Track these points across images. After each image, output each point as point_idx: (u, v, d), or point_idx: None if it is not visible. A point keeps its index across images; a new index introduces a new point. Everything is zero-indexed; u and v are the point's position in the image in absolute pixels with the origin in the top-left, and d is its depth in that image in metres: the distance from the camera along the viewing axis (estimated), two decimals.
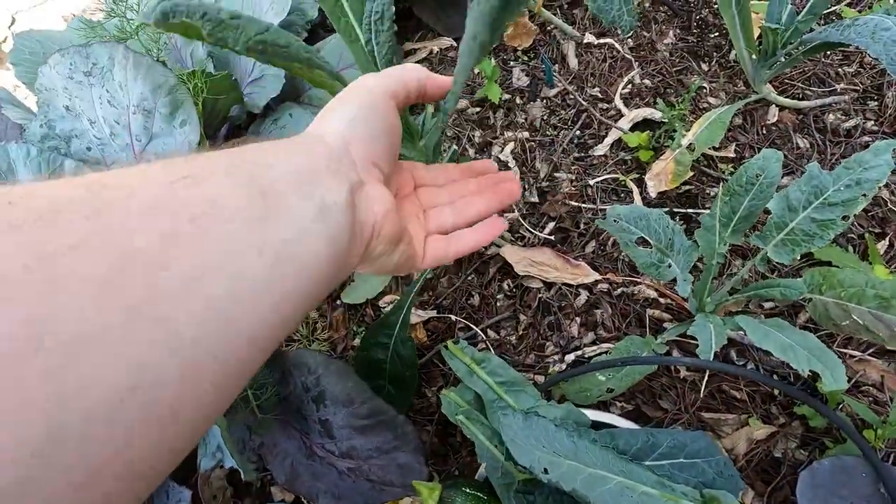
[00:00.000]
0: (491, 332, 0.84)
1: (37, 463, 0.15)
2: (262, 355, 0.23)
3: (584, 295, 0.83)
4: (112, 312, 0.17)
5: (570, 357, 0.79)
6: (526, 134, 0.99)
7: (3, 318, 0.15)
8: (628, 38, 1.05)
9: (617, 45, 1.04)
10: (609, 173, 0.92)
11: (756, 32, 0.86)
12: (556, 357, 0.80)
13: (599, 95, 1.01)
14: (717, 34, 1.03)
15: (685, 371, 0.75)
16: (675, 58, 1.02)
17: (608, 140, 0.95)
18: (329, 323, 0.90)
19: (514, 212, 0.92)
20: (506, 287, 0.86)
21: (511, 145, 0.99)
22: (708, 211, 0.63)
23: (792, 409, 0.69)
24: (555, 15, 1.07)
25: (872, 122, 0.88)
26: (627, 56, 1.03)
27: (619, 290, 0.82)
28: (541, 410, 0.56)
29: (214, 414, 0.21)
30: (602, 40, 1.06)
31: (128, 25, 0.76)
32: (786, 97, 0.93)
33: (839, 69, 0.95)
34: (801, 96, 0.93)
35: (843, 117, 0.90)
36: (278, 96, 0.91)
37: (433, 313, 0.87)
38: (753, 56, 0.88)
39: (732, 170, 0.88)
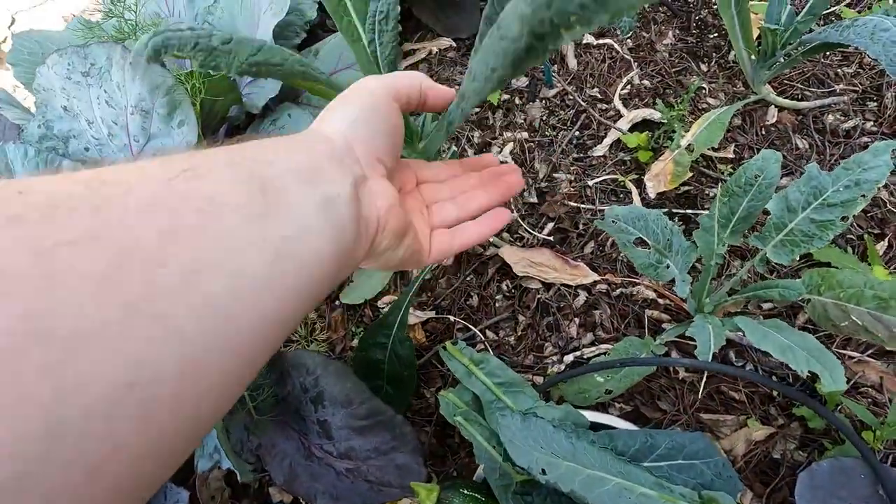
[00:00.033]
0: (489, 333, 0.84)
1: (35, 459, 0.15)
2: (264, 353, 0.23)
3: (582, 296, 0.83)
4: (110, 308, 0.17)
5: (568, 358, 0.79)
6: (525, 134, 0.99)
7: (1, 314, 0.15)
8: (627, 38, 1.05)
9: (616, 46, 1.04)
10: (608, 174, 0.92)
11: (755, 33, 0.86)
12: (554, 358, 0.79)
13: (598, 96, 1.01)
14: (716, 35, 1.03)
15: (684, 372, 0.75)
16: (675, 58, 1.02)
17: (607, 140, 0.95)
18: (328, 323, 0.90)
19: (512, 212, 0.92)
20: (504, 288, 0.86)
21: (510, 146, 0.99)
22: (707, 212, 0.63)
23: (791, 410, 0.69)
24: None
25: (872, 123, 0.88)
26: (626, 56, 1.03)
27: (618, 291, 0.82)
28: (539, 411, 0.56)
29: (216, 413, 0.21)
30: (601, 41, 1.06)
31: (126, 26, 0.76)
32: (785, 98, 0.93)
33: (838, 70, 0.95)
34: (800, 97, 0.93)
35: (843, 118, 0.90)
36: (277, 97, 0.91)
37: (432, 314, 0.86)
38: (752, 57, 0.88)
39: (731, 170, 0.88)
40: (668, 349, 0.76)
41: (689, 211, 0.86)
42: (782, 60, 0.85)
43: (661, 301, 0.80)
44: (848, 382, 0.69)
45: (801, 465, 0.65)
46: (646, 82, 1.00)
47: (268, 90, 0.89)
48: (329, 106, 0.33)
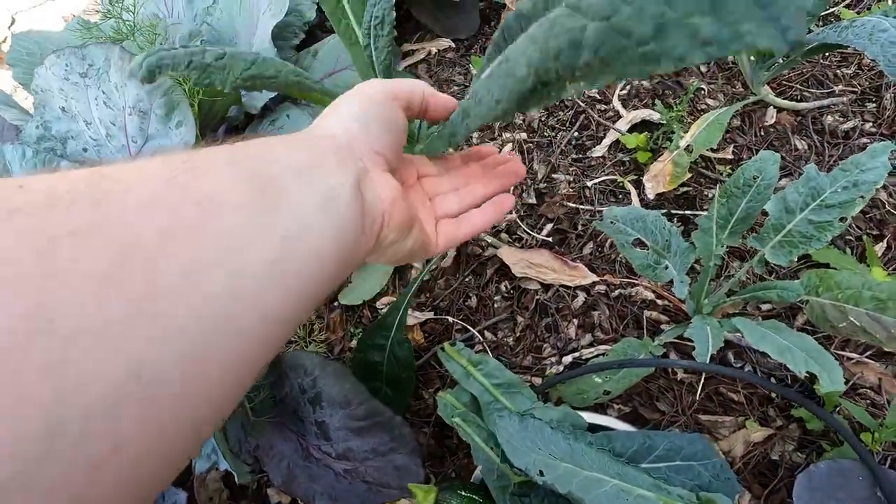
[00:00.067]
0: (488, 334, 0.84)
1: (35, 458, 0.15)
2: (266, 353, 0.23)
3: (581, 296, 0.83)
4: (112, 308, 0.17)
5: (567, 359, 0.79)
6: (524, 135, 0.99)
7: (3, 312, 0.15)
8: None
9: None
10: (607, 175, 0.92)
11: None
12: (553, 359, 0.79)
13: (597, 96, 1.01)
14: None
15: (682, 373, 0.74)
16: None
17: (606, 141, 0.95)
18: (326, 324, 0.90)
19: (511, 213, 0.91)
20: (503, 289, 0.86)
21: (509, 147, 0.99)
22: (705, 212, 0.63)
23: (789, 411, 0.69)
24: None
25: (871, 124, 0.88)
26: None
27: (617, 292, 0.82)
28: (537, 413, 0.56)
29: (217, 414, 0.21)
30: None
31: (124, 27, 0.76)
32: (784, 99, 0.93)
33: (837, 71, 0.95)
34: (799, 98, 0.93)
35: (842, 119, 0.90)
36: (276, 97, 0.91)
37: (430, 315, 0.86)
38: (751, 58, 0.88)
39: (730, 171, 0.88)
40: (666, 350, 0.75)
41: (687, 212, 0.86)
42: (781, 61, 0.85)
43: (659, 302, 0.80)
44: (846, 384, 0.69)
45: (799, 467, 0.65)
46: (645, 83, 1.00)
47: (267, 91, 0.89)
48: (330, 106, 0.33)
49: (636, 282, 0.82)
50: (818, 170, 0.57)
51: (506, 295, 0.86)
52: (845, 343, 0.72)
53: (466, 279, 0.88)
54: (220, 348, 0.20)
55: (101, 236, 0.18)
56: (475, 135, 1.01)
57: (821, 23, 1.00)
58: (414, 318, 0.86)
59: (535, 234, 0.89)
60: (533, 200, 0.92)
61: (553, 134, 0.98)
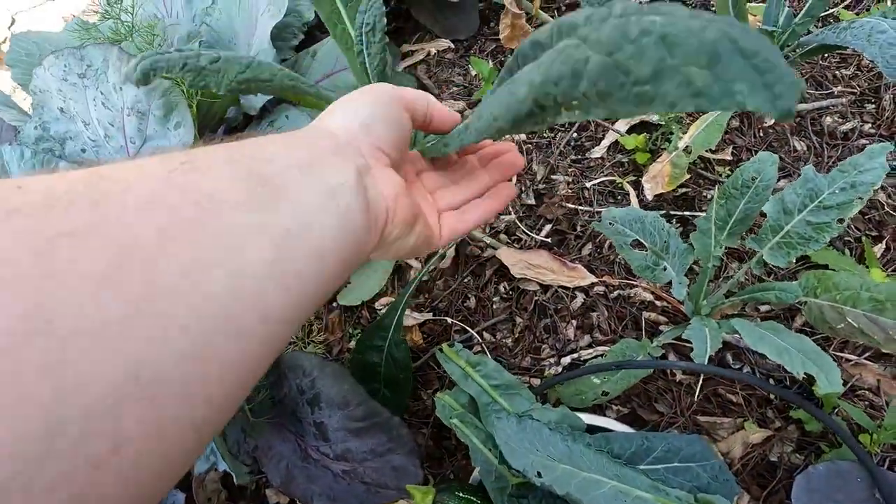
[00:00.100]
0: (487, 335, 0.84)
1: (35, 458, 0.15)
2: (267, 353, 0.23)
3: (580, 297, 0.83)
4: (111, 308, 0.17)
5: (566, 360, 0.79)
6: (522, 136, 0.99)
7: (1, 313, 0.15)
8: None
9: None
10: (606, 176, 0.92)
11: None
12: (552, 360, 0.79)
13: None
14: None
15: (681, 374, 0.74)
16: None
17: (605, 142, 0.95)
18: (325, 325, 0.90)
19: (510, 214, 0.91)
20: (502, 290, 0.86)
21: None
22: (704, 214, 0.63)
23: (788, 413, 0.69)
24: (553, 17, 1.07)
25: (870, 125, 0.88)
26: None
27: (616, 293, 0.82)
28: (535, 414, 0.56)
29: (218, 415, 0.21)
30: None
31: (122, 27, 0.76)
32: None
33: (836, 72, 0.95)
34: (798, 99, 0.93)
35: (841, 120, 0.90)
36: (275, 98, 0.91)
37: (429, 316, 0.86)
38: None
39: (729, 172, 0.88)
40: (665, 351, 0.75)
41: (686, 213, 0.86)
42: None
43: (658, 303, 0.80)
44: (845, 385, 0.69)
45: (798, 468, 0.65)
46: None
47: None
48: (331, 105, 0.33)
49: (635, 283, 0.82)
50: (816, 171, 0.57)
51: (504, 296, 0.86)
52: (844, 344, 0.72)
53: (465, 280, 0.88)
54: (220, 348, 0.20)
55: (100, 237, 0.18)
56: None
57: (820, 24, 1.00)
58: (413, 319, 0.86)
59: (533, 235, 0.89)
60: (532, 201, 0.92)
61: (552, 135, 0.98)
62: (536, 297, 0.84)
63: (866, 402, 0.68)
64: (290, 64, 0.96)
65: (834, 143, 0.88)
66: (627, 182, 0.90)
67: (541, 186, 0.93)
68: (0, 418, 0.14)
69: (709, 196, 0.87)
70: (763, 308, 0.77)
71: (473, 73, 1.07)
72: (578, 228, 0.88)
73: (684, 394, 0.73)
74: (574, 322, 0.81)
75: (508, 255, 0.85)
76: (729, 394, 0.72)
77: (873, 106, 0.90)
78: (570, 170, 0.94)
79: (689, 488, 0.52)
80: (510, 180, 0.42)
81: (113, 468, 0.17)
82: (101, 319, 0.17)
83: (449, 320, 0.85)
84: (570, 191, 0.92)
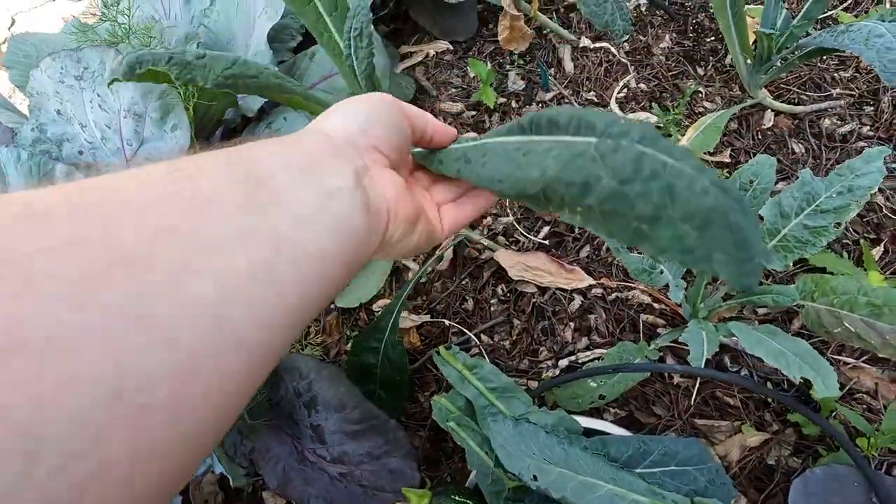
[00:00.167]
0: (484, 337, 0.83)
1: (11, 483, 0.14)
2: (265, 358, 0.22)
3: (578, 300, 0.83)
4: (91, 314, 0.16)
5: (563, 362, 0.78)
6: None
7: None
8: (624, 42, 1.05)
9: (613, 49, 1.04)
10: None
11: (752, 37, 0.85)
12: (549, 362, 0.79)
13: (595, 99, 1.01)
14: (713, 38, 1.03)
15: (679, 377, 0.74)
16: (671, 62, 1.01)
17: None
18: (322, 327, 0.90)
19: (508, 216, 0.91)
20: (500, 292, 0.86)
21: None
22: None
23: (786, 416, 0.69)
24: (551, 19, 1.07)
25: (868, 128, 0.88)
26: (623, 60, 1.03)
27: (614, 296, 0.82)
28: (532, 417, 0.56)
29: (216, 424, 0.20)
30: (598, 44, 1.06)
31: (119, 30, 0.76)
32: (781, 102, 0.93)
33: (835, 74, 0.95)
34: (796, 101, 0.93)
35: (839, 122, 0.89)
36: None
37: (427, 318, 0.86)
38: (749, 61, 0.87)
39: (728, 175, 0.88)
40: (662, 354, 0.75)
41: None
42: (779, 64, 0.84)
43: (656, 306, 0.80)
44: (842, 388, 0.69)
45: (795, 472, 0.65)
46: (642, 86, 1.00)
47: None
48: (329, 109, 0.33)
49: (633, 285, 0.81)
50: (814, 173, 0.57)
51: (502, 298, 0.86)
52: (842, 347, 0.72)
53: (463, 282, 0.88)
54: (213, 353, 0.19)
55: (81, 245, 0.17)
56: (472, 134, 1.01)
57: (819, 26, 1.00)
58: (410, 320, 0.86)
59: (531, 238, 0.89)
60: None
61: None
62: (534, 300, 0.84)
63: (864, 406, 0.68)
64: (287, 66, 0.96)
65: (832, 146, 0.88)
66: None
67: None
68: None
69: None
70: (761, 311, 0.77)
71: (472, 74, 1.07)
72: (576, 231, 0.88)
73: (682, 397, 0.73)
74: (572, 324, 0.81)
75: (506, 258, 0.85)
76: (726, 397, 0.72)
77: (872, 108, 0.90)
78: None
79: (686, 492, 0.52)
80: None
81: (98, 489, 0.16)
82: (80, 326, 0.16)
83: (446, 322, 0.85)
84: None
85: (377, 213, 0.29)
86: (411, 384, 0.81)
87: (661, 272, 0.63)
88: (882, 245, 0.78)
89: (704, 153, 0.86)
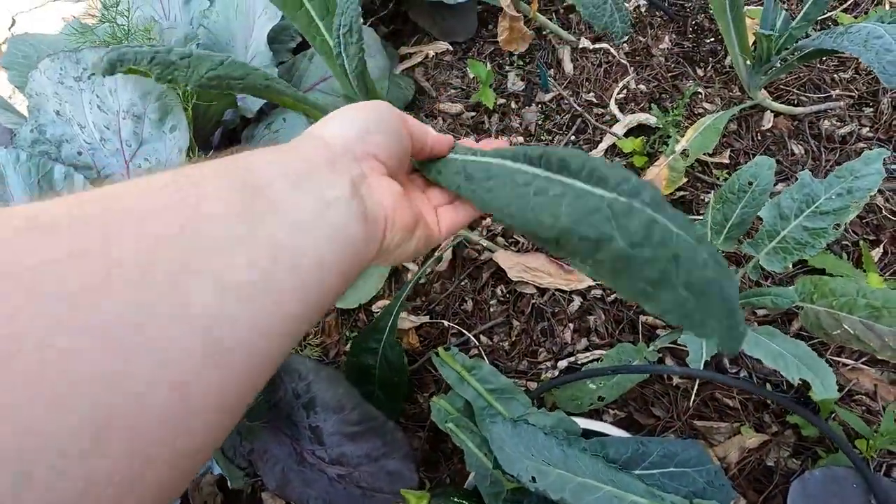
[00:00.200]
0: (483, 338, 0.83)
1: (11, 479, 0.14)
2: (263, 366, 0.22)
3: (577, 301, 0.82)
4: (88, 326, 0.16)
5: (562, 363, 0.78)
6: (521, 139, 0.99)
7: None
8: (623, 43, 1.05)
9: (612, 50, 1.04)
10: None
11: (751, 38, 0.85)
12: (548, 363, 0.79)
13: (594, 100, 1.01)
14: (712, 39, 1.03)
15: (678, 378, 0.74)
16: (671, 63, 1.01)
17: (602, 145, 0.95)
18: (321, 328, 0.90)
19: None
20: (499, 293, 0.86)
21: None
22: (701, 217, 0.63)
23: (785, 417, 0.69)
24: (550, 20, 1.07)
25: (868, 129, 0.88)
26: (623, 61, 1.03)
27: (613, 296, 0.82)
28: (531, 418, 0.56)
29: (215, 436, 0.20)
30: (597, 45, 1.06)
31: (118, 31, 0.76)
32: (781, 103, 0.93)
33: (835, 75, 0.95)
34: (796, 102, 0.93)
35: (839, 123, 0.89)
36: None
37: (426, 319, 0.86)
38: (748, 62, 0.87)
39: (727, 176, 0.88)
40: (661, 355, 0.75)
41: None
42: (778, 66, 0.84)
43: None
44: (842, 390, 0.69)
45: (794, 473, 0.65)
46: (642, 87, 1.00)
47: None
48: (328, 115, 0.33)
49: None
50: (814, 175, 0.57)
51: (501, 299, 0.86)
52: (841, 349, 0.72)
53: (462, 283, 0.88)
54: (211, 364, 0.19)
55: (81, 257, 0.17)
56: (472, 138, 1.01)
57: (818, 27, 1.00)
58: (409, 321, 0.86)
59: None
60: None
61: (550, 138, 0.98)
62: (533, 301, 0.84)
63: (863, 408, 0.68)
64: (287, 67, 0.96)
65: (832, 147, 0.88)
66: None
67: None
68: None
69: (706, 200, 0.87)
70: (760, 312, 0.77)
71: (471, 75, 1.07)
72: None
73: (681, 398, 0.73)
74: (571, 325, 0.81)
75: (505, 259, 0.85)
76: (726, 398, 0.72)
77: (871, 109, 0.90)
78: None
79: (685, 493, 0.52)
80: None
81: (96, 498, 0.16)
82: (73, 339, 0.16)
83: (446, 323, 0.85)
84: None
85: (374, 221, 0.29)
86: (410, 385, 0.81)
87: None
88: (881, 246, 0.78)
89: (704, 154, 0.86)
